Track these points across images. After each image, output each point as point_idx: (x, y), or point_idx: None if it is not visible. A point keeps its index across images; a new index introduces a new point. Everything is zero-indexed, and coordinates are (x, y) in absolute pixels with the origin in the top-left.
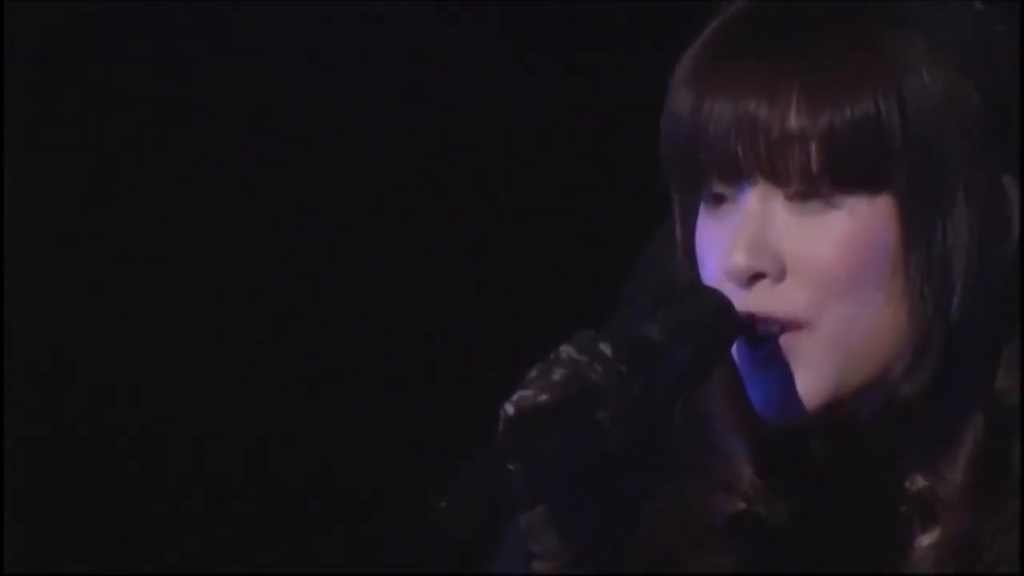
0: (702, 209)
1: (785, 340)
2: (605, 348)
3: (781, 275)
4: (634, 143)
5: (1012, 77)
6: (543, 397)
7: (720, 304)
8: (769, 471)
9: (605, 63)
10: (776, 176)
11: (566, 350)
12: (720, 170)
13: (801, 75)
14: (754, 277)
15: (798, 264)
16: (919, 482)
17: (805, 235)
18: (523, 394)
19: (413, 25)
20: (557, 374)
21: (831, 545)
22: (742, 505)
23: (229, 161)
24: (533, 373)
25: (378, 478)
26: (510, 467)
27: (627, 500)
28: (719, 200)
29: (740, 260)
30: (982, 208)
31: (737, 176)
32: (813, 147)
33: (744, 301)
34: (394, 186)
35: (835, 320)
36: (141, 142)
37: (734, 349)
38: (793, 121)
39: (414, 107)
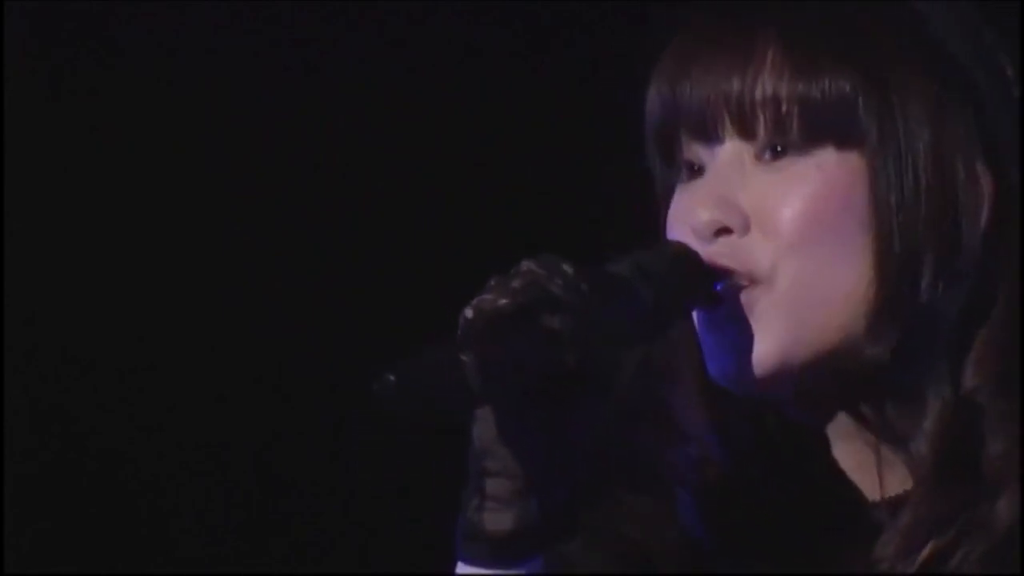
0: (677, 186)
1: (744, 297)
2: (567, 267)
3: (745, 229)
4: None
5: (992, 78)
6: (502, 301)
7: (685, 253)
8: (729, 448)
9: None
10: (744, 126)
11: (527, 264)
12: (691, 130)
13: (777, 44)
14: (719, 232)
15: (761, 218)
16: (891, 483)
17: (770, 191)
18: (482, 298)
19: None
20: (517, 282)
21: (799, 534)
22: (701, 480)
23: (220, 157)
24: (493, 282)
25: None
26: (463, 358)
27: (580, 430)
28: (693, 172)
29: (704, 214)
30: (954, 189)
31: (708, 134)
32: (784, 100)
33: (707, 256)
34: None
35: (793, 275)
36: (138, 143)
37: (694, 314)
38: (767, 80)
39: (402, 103)
